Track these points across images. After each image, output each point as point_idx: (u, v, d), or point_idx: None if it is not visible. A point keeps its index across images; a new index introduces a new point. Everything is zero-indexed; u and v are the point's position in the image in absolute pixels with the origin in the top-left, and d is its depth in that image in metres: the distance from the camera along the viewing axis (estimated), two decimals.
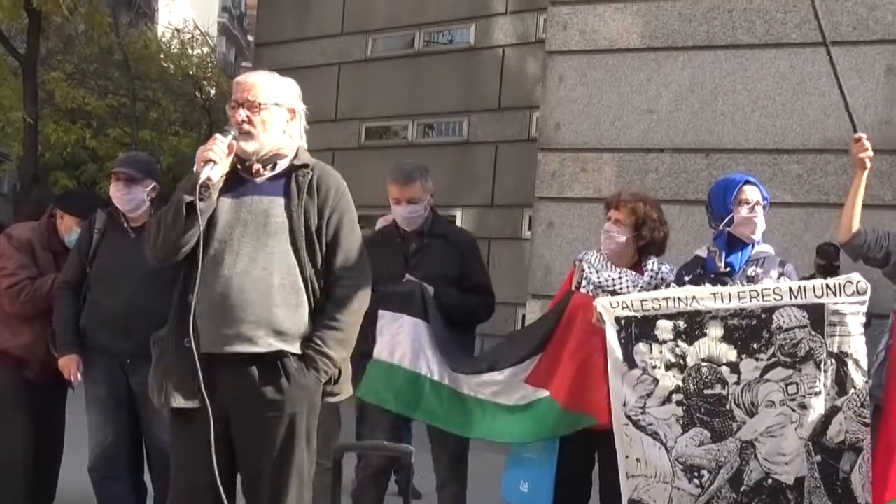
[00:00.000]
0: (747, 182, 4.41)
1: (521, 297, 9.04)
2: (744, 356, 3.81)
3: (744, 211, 4.32)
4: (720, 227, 4.36)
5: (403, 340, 4.53)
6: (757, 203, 4.34)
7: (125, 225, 4.66)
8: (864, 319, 3.76)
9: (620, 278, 4.43)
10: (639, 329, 3.93)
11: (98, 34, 15.02)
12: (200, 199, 3.20)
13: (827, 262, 7.49)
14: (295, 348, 3.31)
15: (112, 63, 17.44)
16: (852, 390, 3.70)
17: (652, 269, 4.46)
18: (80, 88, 16.25)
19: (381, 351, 4.53)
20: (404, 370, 4.52)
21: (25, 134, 13.53)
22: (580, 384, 4.25)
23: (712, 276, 4.29)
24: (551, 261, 8.43)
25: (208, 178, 3.22)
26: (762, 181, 4.59)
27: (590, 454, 4.42)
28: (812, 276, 6.89)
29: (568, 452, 4.36)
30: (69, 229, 4.91)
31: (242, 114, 3.33)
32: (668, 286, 4.32)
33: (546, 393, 4.32)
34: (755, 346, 3.80)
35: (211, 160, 3.22)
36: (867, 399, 3.73)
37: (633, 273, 4.45)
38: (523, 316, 9.48)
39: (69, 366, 4.56)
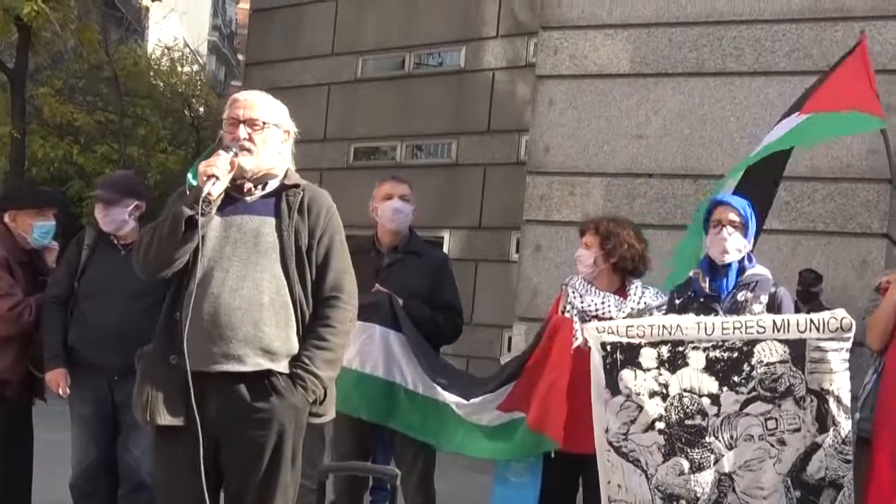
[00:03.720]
0: (720, 203, 4.37)
1: (508, 319, 9.02)
2: (724, 388, 3.79)
3: (713, 233, 4.30)
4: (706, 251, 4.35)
5: (374, 349, 4.51)
6: (730, 223, 4.27)
7: (115, 242, 4.66)
8: (847, 356, 3.71)
9: (604, 303, 4.44)
10: (624, 355, 3.91)
11: (88, 51, 14.98)
12: (202, 215, 3.18)
13: (804, 288, 7.56)
14: (283, 367, 3.29)
15: (101, 79, 17.39)
16: (833, 427, 3.67)
17: (636, 294, 4.46)
18: (68, 104, 16.17)
19: (350, 359, 4.46)
20: (377, 379, 4.49)
21: (12, 149, 13.45)
22: (545, 405, 4.27)
23: (701, 299, 4.27)
24: (538, 284, 8.42)
25: (209, 194, 3.20)
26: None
27: (574, 479, 4.40)
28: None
29: (551, 477, 4.36)
30: (28, 227, 4.79)
31: (244, 131, 3.33)
32: (651, 312, 4.32)
33: (521, 414, 4.33)
34: (736, 378, 3.78)
35: (213, 175, 3.21)
36: (849, 436, 3.69)
37: (617, 297, 4.47)
38: (509, 338, 9.45)
39: (57, 380, 4.54)
